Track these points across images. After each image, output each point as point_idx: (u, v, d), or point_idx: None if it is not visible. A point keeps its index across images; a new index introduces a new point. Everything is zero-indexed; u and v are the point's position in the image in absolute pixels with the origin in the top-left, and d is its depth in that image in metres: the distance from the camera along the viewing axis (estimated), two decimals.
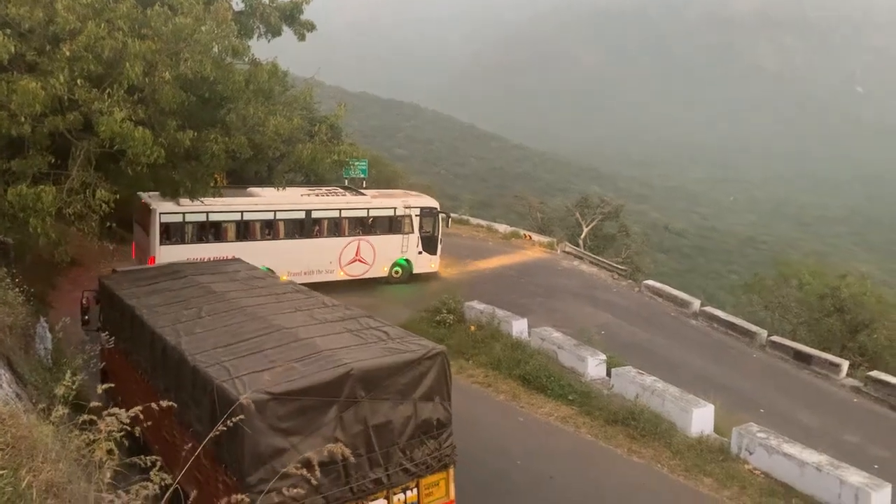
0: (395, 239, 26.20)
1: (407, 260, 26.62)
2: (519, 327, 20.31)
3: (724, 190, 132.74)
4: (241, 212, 23.42)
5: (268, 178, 27.12)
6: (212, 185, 16.55)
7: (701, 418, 15.01)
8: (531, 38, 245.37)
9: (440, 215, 27.32)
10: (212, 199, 22.58)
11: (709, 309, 25.75)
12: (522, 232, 37.71)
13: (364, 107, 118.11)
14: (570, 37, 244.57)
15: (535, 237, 36.81)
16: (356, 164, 28.37)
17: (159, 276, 13.18)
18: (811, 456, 13.06)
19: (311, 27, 16.59)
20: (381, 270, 26.17)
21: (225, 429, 6.47)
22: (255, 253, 22.91)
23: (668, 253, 72.48)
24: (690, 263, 74.67)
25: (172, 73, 12.31)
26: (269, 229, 24.16)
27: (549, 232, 40.44)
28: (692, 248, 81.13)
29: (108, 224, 13.38)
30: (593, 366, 17.89)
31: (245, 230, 23.66)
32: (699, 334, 24.08)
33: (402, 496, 8.97)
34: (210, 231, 23.19)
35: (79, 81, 11.73)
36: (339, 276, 25.19)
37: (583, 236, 39.87)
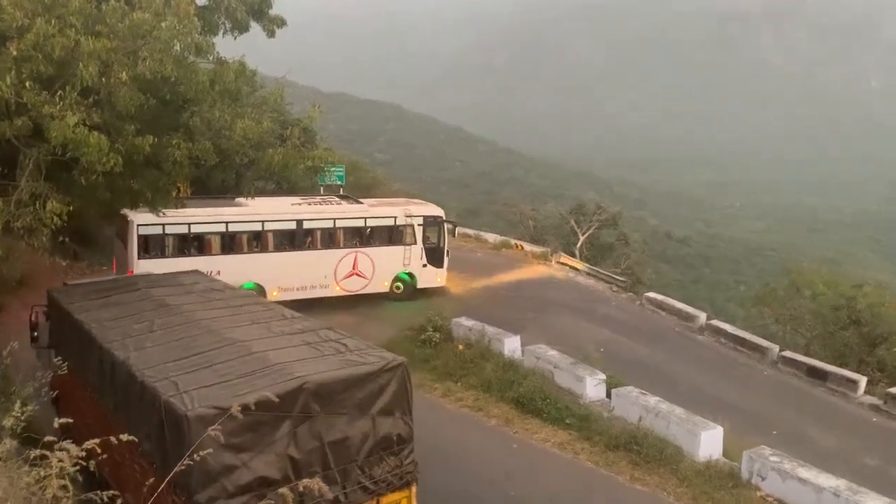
0: (396, 251, 25.98)
1: (410, 274, 26.37)
2: (511, 345, 20.26)
3: (730, 194, 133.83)
4: (226, 222, 23.35)
5: (235, 187, 27.04)
6: (174, 194, 16.43)
7: (709, 442, 15.00)
8: (520, 33, 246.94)
9: (445, 225, 27.11)
10: (194, 209, 22.67)
11: (716, 322, 25.84)
12: (513, 241, 37.73)
13: (341, 108, 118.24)
14: (562, 31, 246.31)
15: (527, 247, 36.82)
16: (332, 170, 28.22)
17: (112, 290, 13.27)
18: (828, 481, 13.07)
19: (281, 23, 16.55)
20: (382, 285, 25.95)
21: (171, 445, 6.94)
22: (242, 267, 22.97)
23: (670, 263, 72.87)
24: (695, 274, 75.11)
25: (130, 73, 12.21)
26: (257, 241, 24.09)
27: (541, 241, 40.48)
28: (696, 257, 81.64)
29: (61, 238, 13.28)
30: (592, 386, 17.86)
31: (230, 242, 23.60)
32: (706, 350, 24.14)
33: None
34: (193, 244, 23.16)
35: (27, 84, 11.61)
36: (336, 291, 25.06)
37: (579, 246, 39.99)
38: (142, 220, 21.50)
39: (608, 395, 17.71)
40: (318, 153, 15.92)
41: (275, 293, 23.71)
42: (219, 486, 7.76)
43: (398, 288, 26.30)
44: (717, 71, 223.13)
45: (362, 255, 25.36)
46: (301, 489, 6.30)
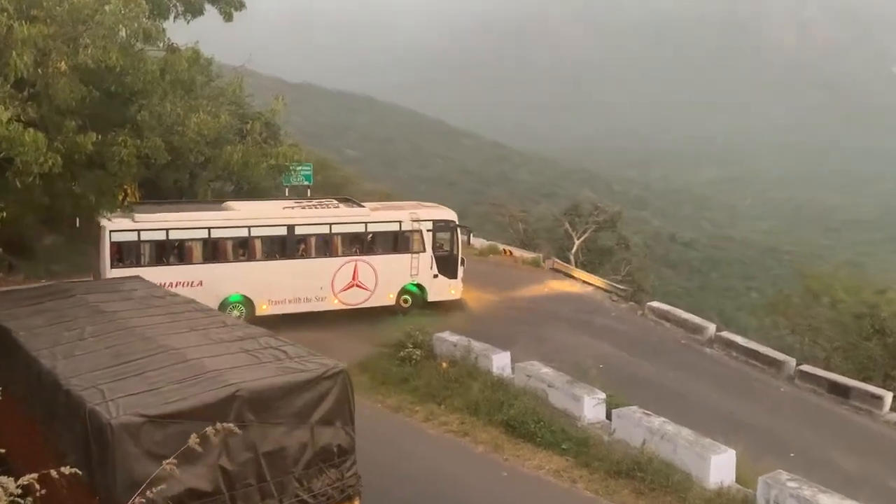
0: (402, 259, 25.75)
1: (418, 285, 26.13)
2: (500, 362, 20.21)
3: (738, 191, 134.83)
4: (209, 228, 23.28)
5: (190, 188, 26.89)
6: (121, 198, 16.31)
7: (720, 466, 15.01)
8: (506, 19, 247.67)
9: (458, 229, 26.86)
10: (174, 213, 22.95)
11: (726, 334, 25.93)
12: (501, 247, 37.75)
13: (307, 100, 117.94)
14: (553, 14, 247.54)
15: (517, 252, 36.86)
16: (298, 168, 28.12)
17: (45, 297, 13.40)
18: None
19: (239, 5, 16.54)
20: (387, 298, 25.70)
21: (96, 455, 7.42)
22: (227, 277, 23.10)
23: (675, 268, 73.23)
24: (702, 280, 75.49)
25: (70, 62, 12.13)
26: (244, 249, 24.03)
27: (533, 246, 40.52)
28: (703, 261, 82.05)
29: None
30: (590, 407, 17.83)
31: (213, 250, 23.55)
32: (715, 365, 24.23)
33: None
34: (171, 251, 23.15)
35: None
36: (333, 304, 24.94)
37: (574, 250, 40.01)
38: (115, 226, 21.58)
39: (608, 416, 17.69)
40: (282, 150, 15.88)
41: (264, 306, 23.77)
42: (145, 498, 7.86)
43: (406, 301, 26.08)
44: (722, 58, 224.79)
45: (363, 265, 25.15)
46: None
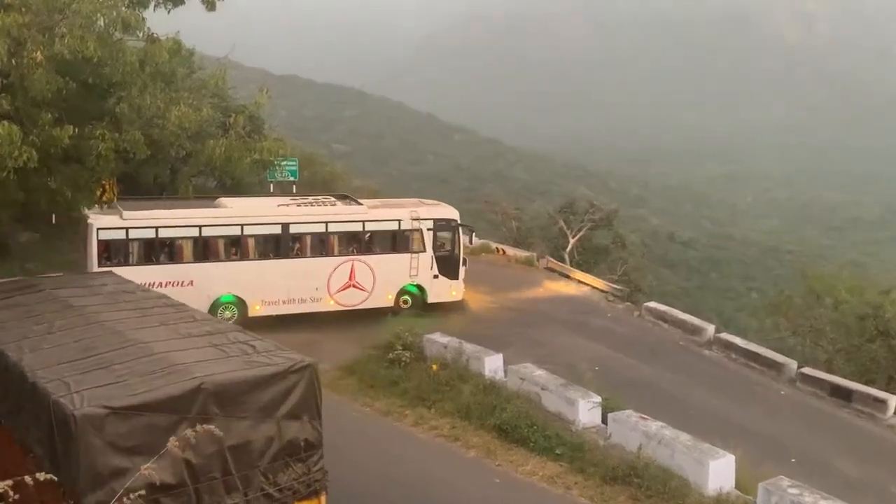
0: (402, 259, 25.64)
1: (418, 286, 26.02)
2: (492, 365, 20.23)
3: (739, 189, 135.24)
4: (200, 226, 23.20)
5: (171, 184, 26.82)
6: (99, 193, 16.27)
7: (719, 472, 15.04)
8: (501, 10, 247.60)
9: (460, 228, 26.78)
10: (164, 211, 22.92)
11: (725, 336, 25.99)
12: (494, 245, 37.77)
13: (293, 93, 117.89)
14: (550, 9, 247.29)
15: (510, 251, 36.88)
16: (283, 164, 27.92)
17: (14, 291, 13.49)
18: None
19: None
20: (385, 299, 25.59)
21: (60, 447, 8.09)
22: (219, 277, 23.11)
23: (673, 267, 73.43)
24: (701, 280, 75.69)
25: (46, 52, 12.10)
26: (236, 248, 23.99)
27: (527, 244, 40.55)
28: (702, 260, 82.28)
29: None
30: (585, 410, 17.86)
31: (205, 249, 23.52)
32: (714, 367, 24.28)
33: None
34: (161, 250, 23.11)
35: None
36: (329, 305, 24.87)
37: (568, 249, 40.09)
38: (102, 223, 21.62)
39: (604, 420, 17.71)
40: (266, 144, 15.89)
41: (257, 307, 23.79)
42: (108, 490, 8.20)
43: (406, 302, 26.00)
44: (723, 53, 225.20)
45: (360, 264, 25.06)
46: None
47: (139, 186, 27.14)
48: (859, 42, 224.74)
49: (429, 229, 25.96)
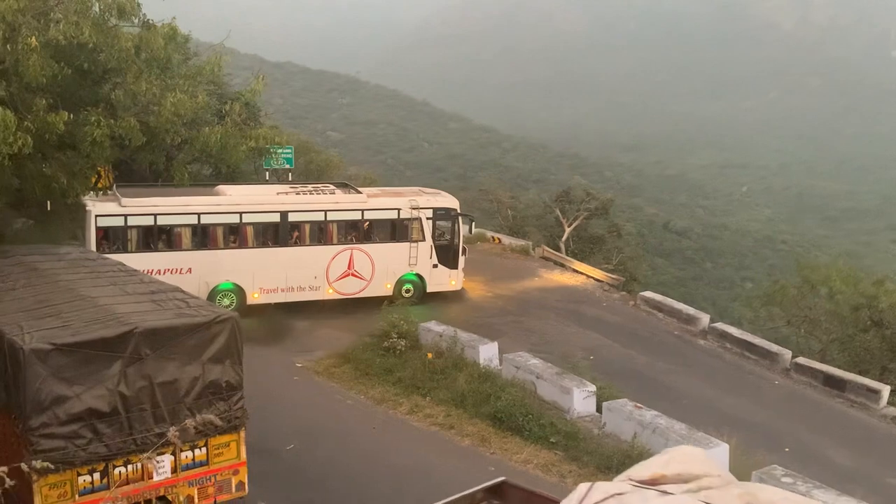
0: (401, 248, 25.60)
1: (418, 275, 25.98)
2: (487, 353, 20.29)
3: (734, 178, 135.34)
4: (198, 214, 23.25)
5: (165, 171, 26.73)
6: (94, 180, 16.24)
7: (713, 460, 15.12)
8: None
9: (460, 218, 26.69)
10: (162, 198, 23.03)
11: (720, 325, 26.08)
12: (490, 234, 37.81)
13: (289, 80, 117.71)
14: None
15: (506, 240, 36.91)
16: (279, 151, 27.91)
17: None
18: (848, 503, 13.25)
19: None
20: (384, 287, 25.51)
21: (12, 378, 9.91)
22: (218, 264, 23.16)
23: (668, 257, 73.52)
24: (696, 270, 75.85)
25: (41, 38, 12.06)
26: (235, 235, 24.02)
27: (522, 233, 40.56)
28: (697, 250, 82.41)
29: None
30: (580, 399, 17.94)
31: (203, 236, 23.57)
32: (709, 357, 24.36)
33: (189, 454, 11.07)
34: (160, 237, 23.18)
35: None
36: (328, 294, 24.92)
37: (564, 238, 40.12)
38: (100, 210, 21.74)
39: (599, 409, 17.80)
40: (262, 132, 15.91)
41: (255, 295, 23.87)
42: (51, 414, 9.74)
43: (408, 291, 25.93)
44: (717, 39, 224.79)
45: (359, 253, 25.07)
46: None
47: (134, 173, 27.09)
48: (855, 30, 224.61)
49: (428, 218, 25.92)
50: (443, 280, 26.42)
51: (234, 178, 28.41)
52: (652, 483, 6.51)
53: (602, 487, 6.41)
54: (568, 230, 40.59)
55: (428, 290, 26.15)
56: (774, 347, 24.17)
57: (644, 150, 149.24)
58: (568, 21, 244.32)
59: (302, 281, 24.47)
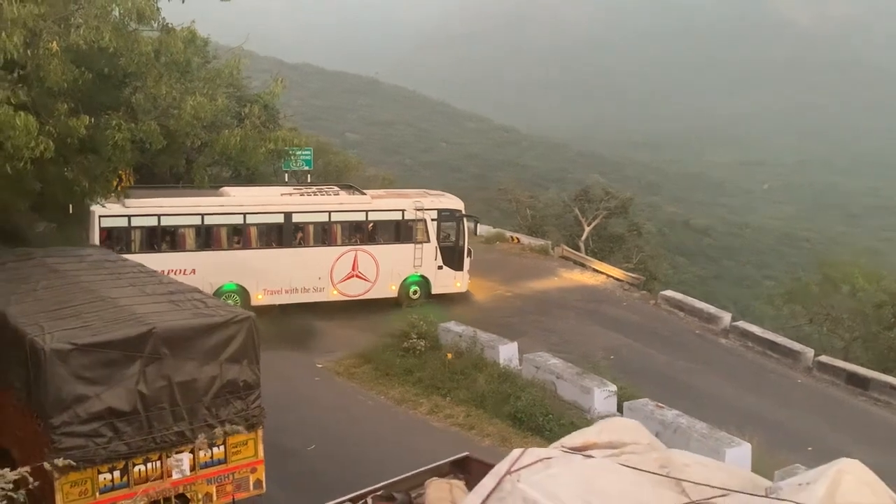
0: (405, 250, 25.54)
1: (423, 277, 25.97)
2: (507, 353, 20.29)
3: (754, 176, 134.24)
4: (202, 214, 23.35)
5: (186, 174, 26.89)
6: (115, 183, 16.33)
7: (736, 460, 15.03)
8: None
9: (465, 219, 26.59)
10: (166, 199, 23.24)
11: (742, 324, 25.97)
12: (508, 234, 37.76)
13: (307, 82, 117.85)
14: None
15: (525, 240, 36.85)
16: (298, 153, 28.03)
17: (10, 260, 15.02)
18: None
19: None
20: (388, 289, 25.56)
21: (33, 377, 10.13)
22: (221, 265, 23.20)
23: (689, 256, 73.03)
24: (717, 268, 75.33)
25: (62, 43, 12.13)
26: (238, 237, 24.09)
27: (541, 233, 40.50)
28: (718, 248, 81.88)
29: None
30: (601, 399, 17.90)
31: (207, 237, 23.67)
32: (731, 356, 24.26)
33: (208, 452, 11.24)
34: (164, 238, 23.31)
35: None
36: (332, 295, 24.92)
37: (583, 237, 40.02)
38: (104, 211, 21.75)
39: (619, 408, 17.76)
40: (281, 134, 15.94)
41: (259, 296, 23.90)
42: (72, 413, 9.95)
43: (415, 293, 25.92)
44: (734, 34, 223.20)
45: (364, 255, 25.08)
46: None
47: (155, 176, 27.22)
48: (873, 26, 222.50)
49: (433, 219, 25.88)
50: (448, 282, 26.38)
51: (253, 180, 28.57)
52: (582, 449, 7.03)
53: (533, 452, 6.87)
54: (587, 229, 40.47)
55: (433, 292, 26.10)
56: (797, 346, 24.06)
57: (662, 147, 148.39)
58: (582, 19, 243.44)
59: (306, 282, 24.49)
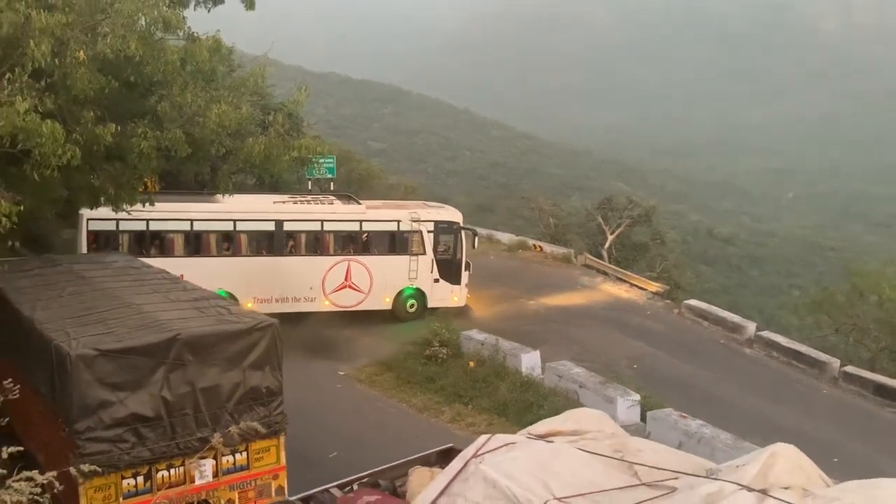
0: (400, 261, 25.16)
1: (418, 289, 25.60)
2: (529, 362, 20.22)
3: (780, 184, 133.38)
4: (191, 220, 23.30)
5: (211, 182, 27.07)
6: (141, 190, 16.45)
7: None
8: (526, 3, 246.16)
9: (462, 232, 26.20)
10: (156, 204, 22.88)
11: (767, 334, 25.75)
12: (531, 242, 37.73)
13: (331, 90, 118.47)
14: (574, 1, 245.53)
15: (547, 248, 36.79)
16: (321, 161, 27.97)
17: (37, 266, 15.34)
18: None
19: None
20: (382, 301, 25.24)
21: (59, 383, 10.26)
22: (210, 272, 22.69)
23: (713, 265, 72.74)
24: (742, 277, 74.91)
25: (88, 52, 12.20)
26: (228, 243, 24.00)
27: (564, 241, 40.42)
28: (743, 257, 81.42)
29: (11, 243, 13.33)
30: (624, 408, 17.79)
31: (196, 244, 23.62)
32: (755, 366, 24.06)
33: (230, 458, 11.23)
34: (152, 244, 23.16)
35: None
36: (324, 305, 24.68)
37: (607, 246, 39.93)
38: (92, 214, 21.40)
39: (643, 418, 17.65)
40: (305, 142, 15.92)
41: (249, 304, 23.63)
42: (96, 418, 9.98)
43: (412, 307, 25.63)
44: (759, 41, 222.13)
45: (357, 265, 24.79)
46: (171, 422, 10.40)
47: (180, 184, 27.45)
48: None
49: (429, 231, 25.53)
50: (444, 295, 25.91)
51: (277, 187, 28.65)
52: (546, 436, 7.51)
53: (499, 438, 7.47)
54: (610, 238, 40.38)
55: (429, 306, 25.74)
56: (822, 356, 23.83)
57: (687, 155, 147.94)
58: (603, 26, 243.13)
59: (297, 291, 24.28)
